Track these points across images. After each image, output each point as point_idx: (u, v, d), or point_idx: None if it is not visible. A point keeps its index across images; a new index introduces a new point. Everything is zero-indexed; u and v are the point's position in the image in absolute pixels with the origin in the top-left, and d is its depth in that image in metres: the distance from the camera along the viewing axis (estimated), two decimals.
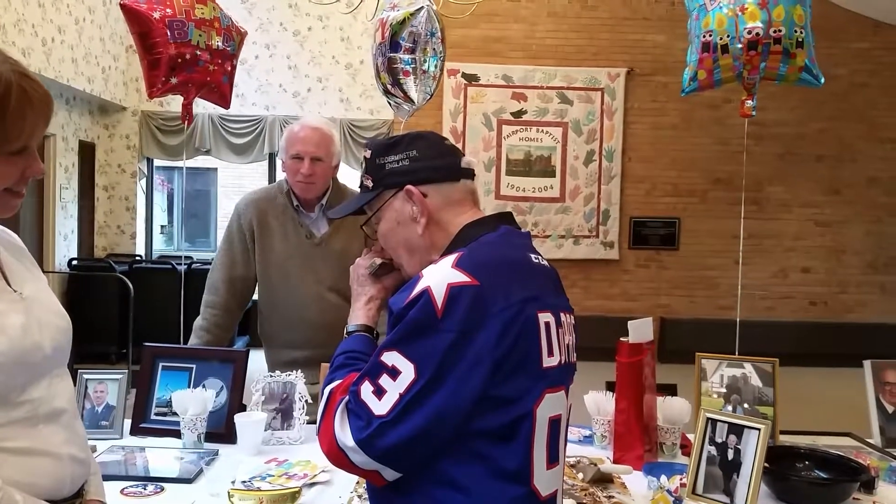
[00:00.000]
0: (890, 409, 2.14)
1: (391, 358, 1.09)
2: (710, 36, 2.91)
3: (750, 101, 2.98)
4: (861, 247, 7.52)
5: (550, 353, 1.15)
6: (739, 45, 2.83)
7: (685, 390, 2.26)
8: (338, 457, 1.12)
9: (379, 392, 1.08)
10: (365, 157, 1.31)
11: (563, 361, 1.18)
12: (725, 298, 7.27)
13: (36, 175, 1.13)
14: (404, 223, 1.25)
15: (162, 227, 12.28)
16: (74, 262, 7.01)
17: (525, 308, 1.11)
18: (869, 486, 1.78)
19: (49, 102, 1.12)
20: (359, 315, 1.34)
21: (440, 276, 1.10)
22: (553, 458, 1.17)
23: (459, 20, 5.67)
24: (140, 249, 7.98)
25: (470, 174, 1.29)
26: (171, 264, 7.03)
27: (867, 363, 2.19)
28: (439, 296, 1.07)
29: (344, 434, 1.10)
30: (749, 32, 2.82)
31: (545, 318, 1.15)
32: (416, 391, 1.06)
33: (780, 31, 2.81)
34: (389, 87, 2.93)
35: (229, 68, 2.94)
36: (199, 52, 2.76)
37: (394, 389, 1.07)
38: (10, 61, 1.08)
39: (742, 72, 2.89)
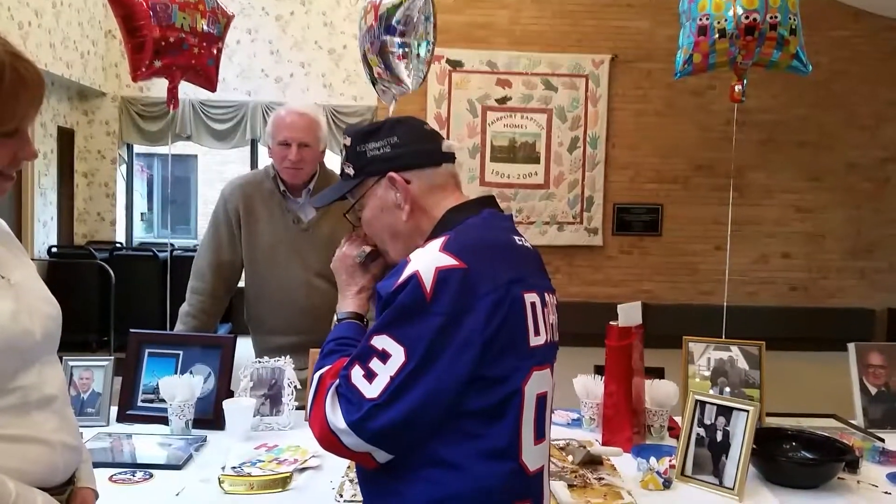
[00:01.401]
0: (873, 390, 2.18)
1: (381, 342, 1.10)
2: (707, 19, 2.92)
3: (739, 86, 2.99)
4: (841, 232, 7.61)
5: (537, 333, 1.17)
6: (736, 30, 2.83)
7: (671, 374, 2.28)
8: (330, 440, 1.12)
9: (370, 375, 1.09)
10: (345, 145, 1.30)
11: (548, 340, 1.21)
12: (707, 284, 7.34)
13: (28, 158, 1.12)
14: (388, 210, 1.25)
15: (142, 214, 12.17)
16: (54, 250, 6.93)
17: (511, 289, 1.13)
18: (853, 466, 1.81)
19: (42, 84, 1.10)
20: (349, 303, 1.33)
21: (428, 260, 1.10)
22: (540, 435, 1.19)
23: (444, 5, 5.64)
24: (120, 236, 7.89)
25: (451, 158, 1.29)
26: (152, 251, 6.98)
27: (851, 346, 2.22)
28: (428, 280, 1.08)
29: (335, 417, 1.10)
30: (746, 17, 2.83)
31: (531, 298, 1.17)
32: (406, 374, 1.07)
33: (776, 17, 2.83)
34: (380, 71, 2.89)
35: (215, 51, 2.89)
36: (183, 35, 2.71)
37: (384, 373, 1.08)
38: (1, 41, 1.06)
39: (737, 57, 2.90)
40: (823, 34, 7.18)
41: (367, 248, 1.34)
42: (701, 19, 2.96)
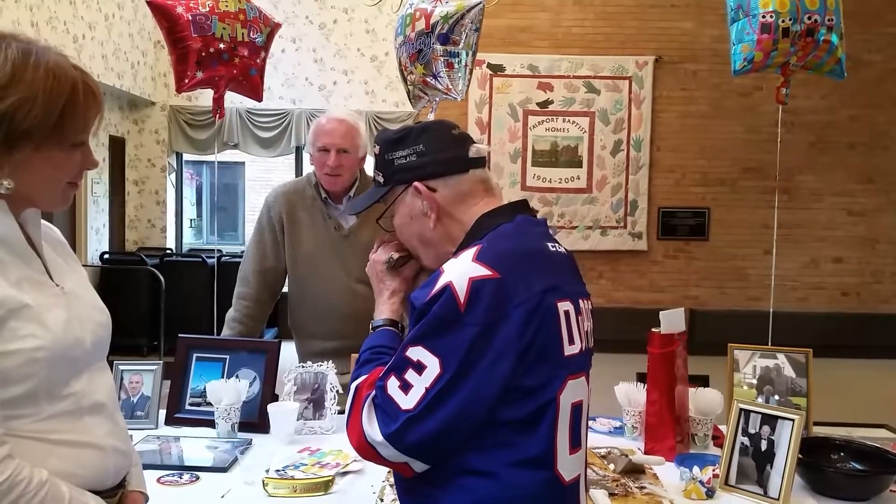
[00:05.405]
0: None
1: (416, 353, 1.10)
2: (772, 17, 2.84)
3: (784, 88, 2.92)
4: None
5: (571, 342, 1.16)
6: (799, 31, 2.77)
7: (717, 381, 2.24)
8: (367, 451, 1.14)
9: (405, 387, 1.10)
10: (374, 153, 1.32)
11: (583, 348, 1.20)
12: (755, 289, 7.17)
13: (91, 167, 1.18)
14: (416, 218, 1.26)
15: (191, 220, 12.43)
16: (106, 256, 7.13)
17: (545, 298, 1.13)
18: None
19: (102, 97, 1.17)
20: (383, 309, 1.35)
21: (461, 271, 1.11)
22: (575, 444, 1.18)
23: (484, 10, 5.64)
24: (170, 243, 8.08)
25: (480, 163, 1.28)
26: (201, 257, 7.13)
27: None
28: (461, 290, 1.08)
29: (372, 429, 1.12)
30: (809, 18, 2.76)
31: (564, 306, 1.16)
32: (441, 385, 1.08)
33: (832, 20, 2.77)
34: (425, 79, 2.91)
35: (257, 60, 2.94)
36: (223, 46, 2.76)
37: (420, 384, 1.09)
38: (69, 59, 1.13)
39: (791, 58, 2.83)
40: (877, 31, 6.98)
41: (395, 255, 1.35)
42: (764, 17, 2.88)
